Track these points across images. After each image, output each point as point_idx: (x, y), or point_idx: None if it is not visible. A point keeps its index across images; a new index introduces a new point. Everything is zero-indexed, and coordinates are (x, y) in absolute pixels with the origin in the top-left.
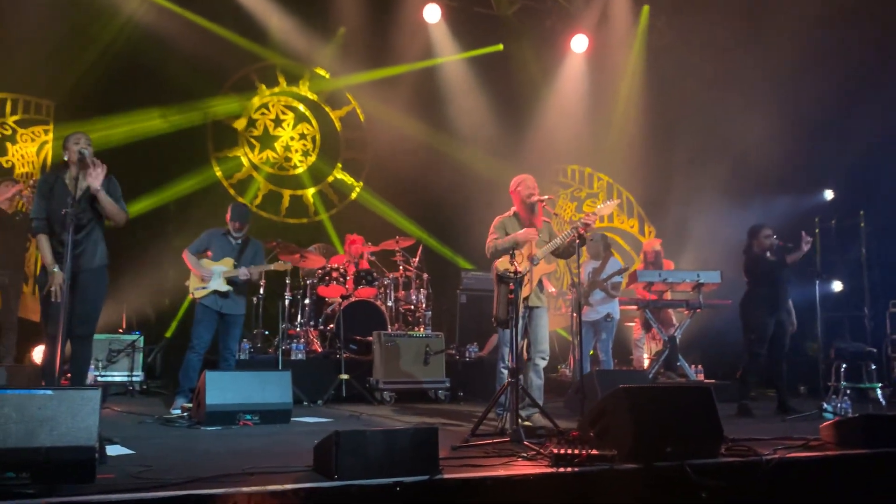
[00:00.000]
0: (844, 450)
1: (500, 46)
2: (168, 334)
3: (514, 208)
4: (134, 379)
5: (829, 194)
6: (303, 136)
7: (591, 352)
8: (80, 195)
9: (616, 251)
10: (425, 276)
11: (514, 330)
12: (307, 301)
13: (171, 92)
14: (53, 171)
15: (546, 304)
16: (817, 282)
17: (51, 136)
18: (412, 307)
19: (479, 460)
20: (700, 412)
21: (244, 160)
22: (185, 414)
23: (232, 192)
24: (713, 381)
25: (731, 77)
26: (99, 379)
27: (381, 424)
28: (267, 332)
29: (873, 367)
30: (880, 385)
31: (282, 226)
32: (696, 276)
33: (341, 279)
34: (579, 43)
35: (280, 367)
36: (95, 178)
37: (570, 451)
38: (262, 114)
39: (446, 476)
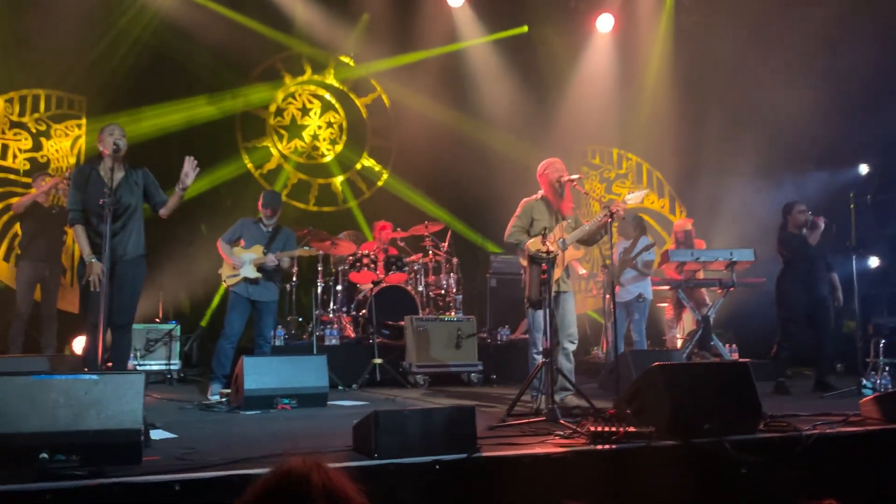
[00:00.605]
0: (886, 424)
1: (525, 28)
2: (203, 323)
3: (541, 192)
4: (172, 367)
5: (864, 169)
6: (330, 125)
7: (624, 332)
8: (117, 186)
9: (648, 232)
10: (455, 260)
11: (546, 310)
12: (339, 287)
13: (199, 83)
14: (89, 163)
15: (572, 288)
16: (853, 258)
17: (84, 130)
18: (443, 292)
19: (516, 439)
20: (737, 388)
21: (273, 150)
22: (224, 399)
23: (262, 181)
24: (748, 359)
25: (760, 53)
26: (137, 368)
27: (415, 406)
28: (301, 319)
29: None
30: None
31: (312, 214)
32: (728, 254)
33: (372, 265)
34: (605, 22)
35: (315, 353)
36: (187, 176)
37: (607, 429)
38: (289, 103)
39: (484, 454)
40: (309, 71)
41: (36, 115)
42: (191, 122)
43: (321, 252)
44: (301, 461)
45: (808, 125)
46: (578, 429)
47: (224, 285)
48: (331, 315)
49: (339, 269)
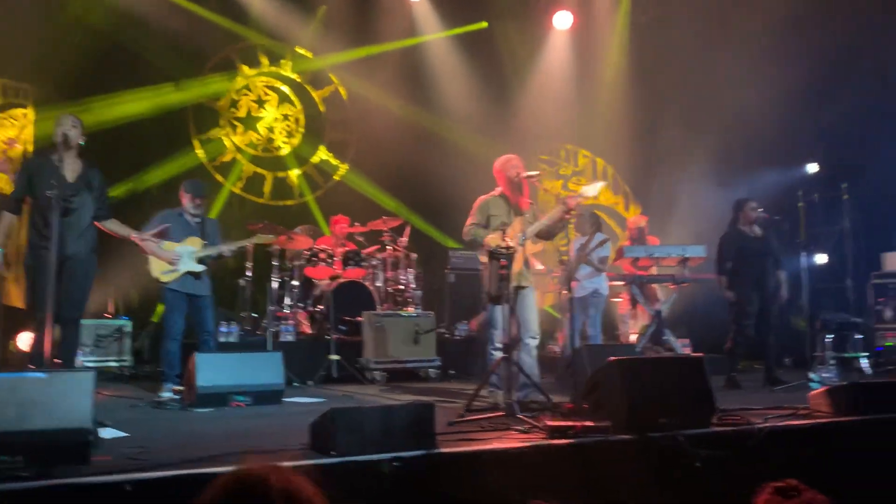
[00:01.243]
0: (834, 417)
1: (485, 24)
2: (155, 318)
3: (499, 188)
4: (123, 364)
5: (813, 167)
6: (286, 117)
7: (580, 328)
8: (74, 179)
9: (603, 229)
10: (413, 255)
11: (505, 306)
12: (295, 283)
13: (152, 73)
14: (44, 153)
15: (532, 283)
16: (803, 254)
17: (30, 119)
18: (401, 287)
19: (475, 434)
20: (692, 383)
21: (227, 142)
22: (177, 397)
23: (215, 174)
24: (701, 354)
25: (715, 51)
26: (86, 364)
27: (374, 403)
28: (255, 315)
29: (858, 337)
30: (865, 355)
31: (267, 208)
32: (681, 250)
33: (329, 260)
34: (563, 19)
35: (270, 349)
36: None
37: (564, 424)
38: (245, 95)
39: (443, 450)
40: (265, 62)
41: None
42: (143, 113)
43: (276, 247)
44: (259, 464)
45: (759, 124)
46: (536, 424)
47: (161, 282)
48: (286, 311)
49: (295, 264)
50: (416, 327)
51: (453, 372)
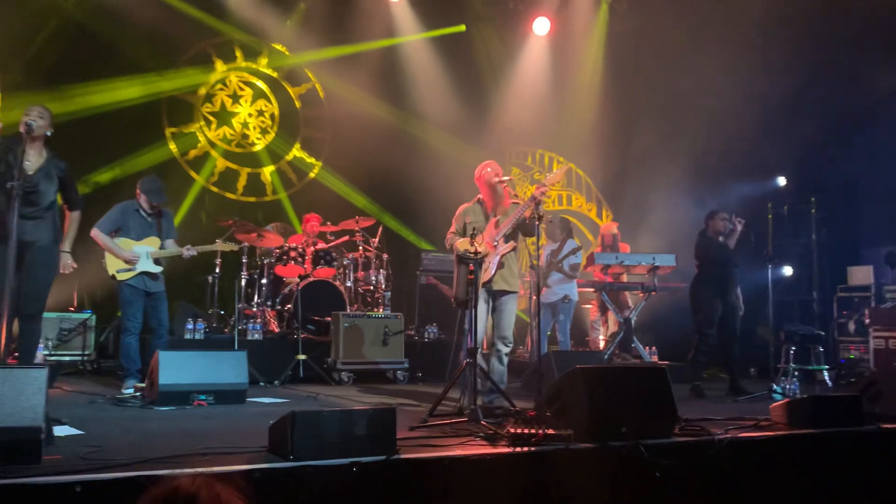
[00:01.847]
0: (793, 429)
1: (463, 27)
2: (119, 313)
3: (479, 195)
4: (86, 358)
5: (781, 181)
6: (261, 113)
7: (549, 333)
8: (35, 170)
9: (575, 234)
10: (385, 256)
11: (472, 311)
12: (264, 281)
13: (126, 64)
14: (6, 140)
15: (517, 289)
16: (769, 266)
17: None
18: (371, 288)
19: (437, 440)
20: (655, 393)
21: (200, 136)
22: (138, 394)
23: (187, 168)
24: (667, 362)
25: (689, 64)
26: (49, 358)
27: (338, 405)
28: (223, 312)
29: (821, 349)
30: (827, 367)
31: (239, 204)
32: (651, 259)
33: (299, 259)
34: (541, 25)
35: (236, 348)
36: None
37: (526, 431)
38: (220, 89)
39: (403, 456)
40: (241, 57)
41: None
42: (115, 104)
43: (246, 244)
44: (190, 479)
45: (732, 135)
46: (499, 430)
47: (117, 279)
48: (254, 309)
49: (266, 261)
50: (386, 329)
51: (421, 374)
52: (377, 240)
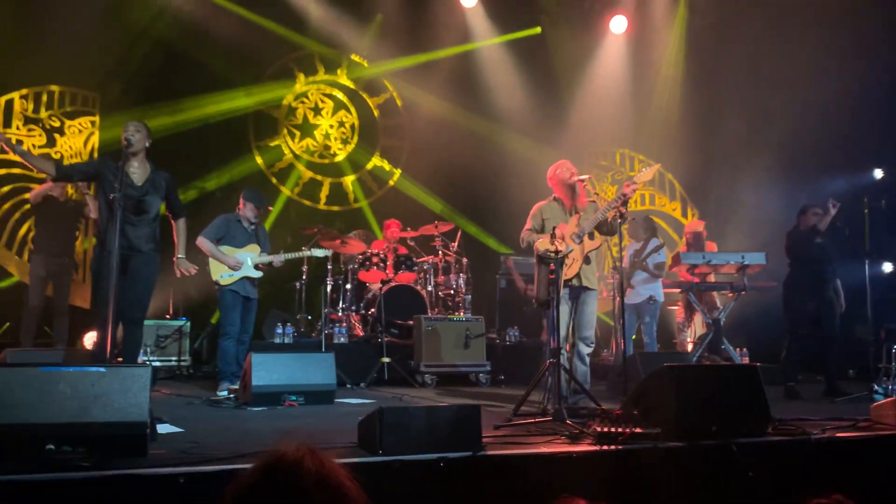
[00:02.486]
0: None
1: (538, 29)
2: (214, 320)
3: (553, 195)
4: (182, 364)
5: (878, 173)
6: (341, 124)
7: (634, 336)
8: (142, 182)
9: (659, 234)
10: (465, 260)
11: (555, 310)
12: (348, 286)
13: (212, 81)
14: (110, 157)
15: (597, 286)
16: (867, 262)
17: (97, 126)
18: (452, 292)
19: (522, 438)
20: (746, 391)
21: (285, 149)
22: (232, 395)
23: (274, 180)
24: (759, 364)
25: (776, 56)
26: (147, 363)
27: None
28: (310, 317)
29: None
30: None
31: (322, 213)
32: (740, 257)
33: (381, 264)
34: (618, 24)
35: (323, 351)
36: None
37: (613, 429)
38: (302, 102)
39: (489, 453)
40: (321, 70)
41: (50, 112)
42: (204, 120)
43: (331, 251)
44: (294, 448)
45: (822, 129)
46: (584, 429)
47: (220, 284)
48: (340, 313)
49: (349, 267)
50: (467, 332)
51: (503, 377)
52: (456, 244)
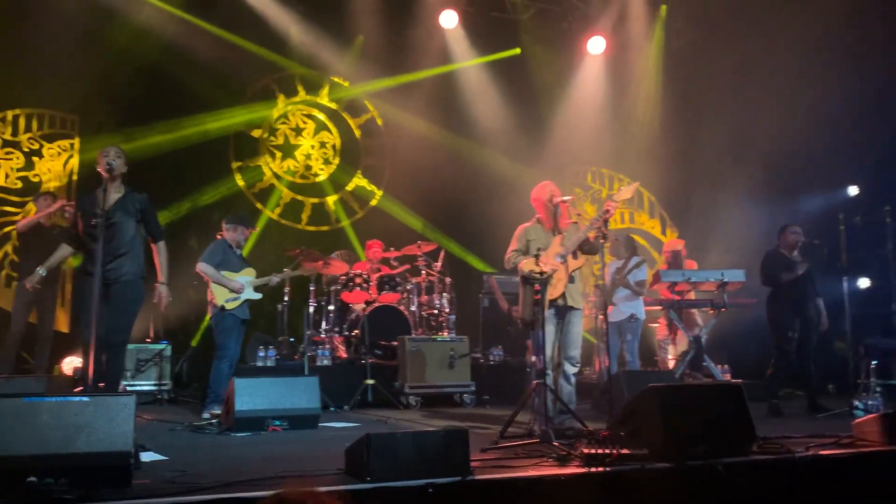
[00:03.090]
0: (883, 446)
1: (518, 50)
2: (194, 343)
3: (536, 216)
4: (162, 388)
5: (853, 190)
6: (323, 145)
7: (618, 353)
8: (112, 206)
9: (640, 252)
10: (448, 280)
11: (540, 331)
12: (331, 308)
13: (193, 103)
14: (88, 189)
15: (582, 306)
16: (844, 279)
17: (76, 149)
18: (435, 312)
19: (510, 461)
20: (731, 410)
21: (266, 169)
22: (215, 421)
23: (254, 200)
24: (741, 380)
25: (752, 75)
26: (128, 388)
27: (408, 428)
28: (292, 340)
29: None
30: None
31: (304, 234)
32: (720, 275)
33: (364, 285)
34: (596, 45)
35: (307, 374)
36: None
37: (600, 451)
38: (283, 123)
39: (478, 477)
40: (302, 91)
41: (28, 135)
42: (184, 142)
43: (315, 270)
44: (295, 489)
45: (799, 147)
46: (572, 451)
47: (226, 308)
48: (323, 335)
49: (332, 289)
50: (451, 352)
51: (487, 397)
52: (440, 263)
